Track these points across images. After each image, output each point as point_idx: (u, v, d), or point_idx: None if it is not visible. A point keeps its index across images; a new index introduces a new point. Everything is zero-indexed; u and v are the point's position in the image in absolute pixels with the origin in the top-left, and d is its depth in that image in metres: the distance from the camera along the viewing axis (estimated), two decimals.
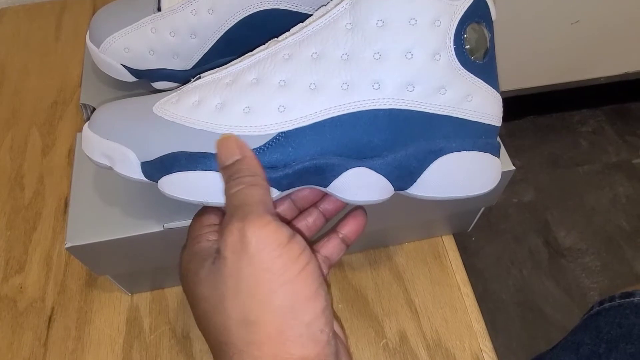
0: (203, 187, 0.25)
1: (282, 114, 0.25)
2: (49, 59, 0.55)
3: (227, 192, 0.23)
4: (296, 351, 0.20)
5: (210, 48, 0.34)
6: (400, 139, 0.25)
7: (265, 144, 0.25)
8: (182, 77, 0.35)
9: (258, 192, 0.23)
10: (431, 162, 0.26)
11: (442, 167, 0.26)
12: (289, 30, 0.27)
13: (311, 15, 0.26)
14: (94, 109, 0.39)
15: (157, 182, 0.26)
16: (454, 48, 0.25)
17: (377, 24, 0.24)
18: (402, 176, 0.26)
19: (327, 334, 0.21)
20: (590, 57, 1.11)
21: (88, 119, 0.40)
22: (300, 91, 0.25)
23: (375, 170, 0.26)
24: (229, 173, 0.24)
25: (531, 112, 1.23)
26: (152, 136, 0.25)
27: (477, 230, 1.05)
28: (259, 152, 0.25)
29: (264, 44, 0.27)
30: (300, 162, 0.25)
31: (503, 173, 0.33)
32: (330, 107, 0.25)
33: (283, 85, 0.25)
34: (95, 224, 0.31)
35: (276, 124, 0.25)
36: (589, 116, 1.25)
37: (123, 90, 0.38)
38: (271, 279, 0.20)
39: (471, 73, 0.25)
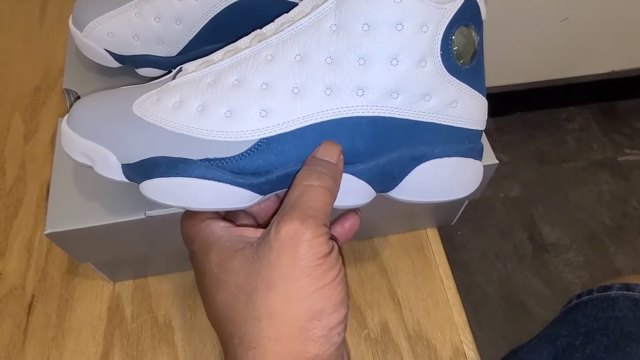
0: (184, 194, 0.25)
1: (263, 119, 0.24)
2: (33, 43, 0.54)
3: (303, 178, 0.24)
4: (313, 349, 0.22)
5: (195, 34, 0.33)
6: (383, 146, 0.25)
7: (247, 150, 0.24)
8: (167, 64, 0.35)
9: (327, 200, 0.23)
10: (413, 168, 0.26)
11: (423, 173, 0.26)
12: (276, 16, 0.26)
13: (297, 3, 0.26)
14: (77, 95, 0.38)
15: (138, 184, 0.26)
16: (441, 54, 0.24)
17: (362, 27, 0.23)
18: (384, 181, 0.26)
19: (342, 337, 0.23)
20: (579, 55, 1.12)
21: (71, 105, 0.40)
22: (282, 95, 0.24)
23: (356, 176, 0.26)
24: (317, 164, 0.24)
25: (519, 108, 1.24)
26: (132, 139, 0.25)
27: (463, 224, 1.06)
28: (240, 158, 0.24)
29: (248, 34, 0.26)
30: (282, 168, 0.25)
31: (487, 167, 0.33)
32: (313, 113, 0.24)
33: (265, 88, 0.24)
34: (76, 210, 0.31)
35: (258, 129, 0.24)
36: (576, 113, 1.26)
37: (106, 75, 0.38)
38: (308, 284, 0.22)
39: (457, 79, 0.25)
